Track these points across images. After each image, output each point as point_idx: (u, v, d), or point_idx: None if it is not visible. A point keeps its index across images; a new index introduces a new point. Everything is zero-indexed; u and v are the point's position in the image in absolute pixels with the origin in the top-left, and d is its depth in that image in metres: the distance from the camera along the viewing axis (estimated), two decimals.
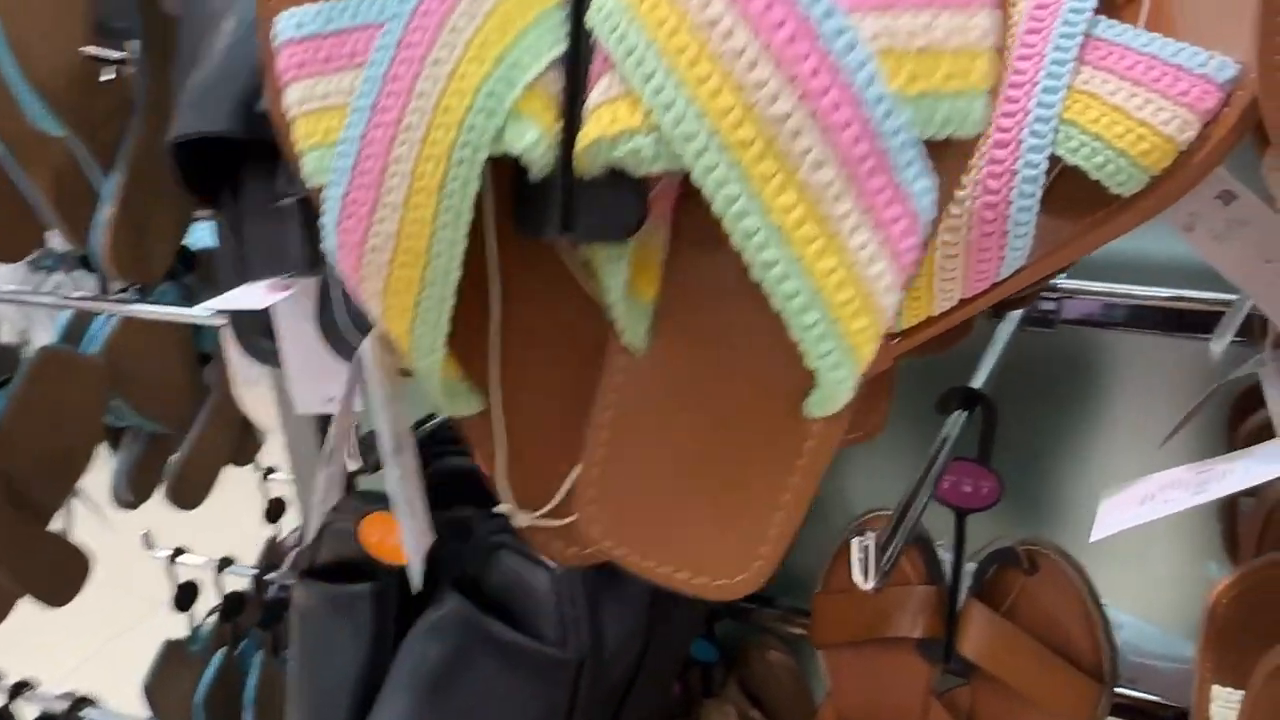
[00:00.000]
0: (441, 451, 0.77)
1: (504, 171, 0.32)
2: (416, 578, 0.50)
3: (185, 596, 1.19)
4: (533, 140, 0.30)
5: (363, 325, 0.54)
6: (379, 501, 0.68)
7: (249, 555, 1.26)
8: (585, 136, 0.29)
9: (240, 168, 0.58)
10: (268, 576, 1.17)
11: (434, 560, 0.67)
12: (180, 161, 0.56)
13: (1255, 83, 0.35)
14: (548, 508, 0.40)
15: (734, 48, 0.26)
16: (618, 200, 0.31)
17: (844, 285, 0.29)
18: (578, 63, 0.30)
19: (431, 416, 0.69)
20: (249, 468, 1.29)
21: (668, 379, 0.35)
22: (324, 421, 0.94)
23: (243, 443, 1.22)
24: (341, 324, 0.49)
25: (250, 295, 0.54)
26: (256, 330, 0.59)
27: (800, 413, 0.34)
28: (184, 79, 0.56)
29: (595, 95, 0.29)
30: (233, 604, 1.19)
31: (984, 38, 0.28)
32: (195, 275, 1.06)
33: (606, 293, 0.35)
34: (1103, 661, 0.66)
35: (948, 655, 0.69)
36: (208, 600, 1.20)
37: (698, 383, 0.35)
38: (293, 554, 1.25)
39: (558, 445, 0.39)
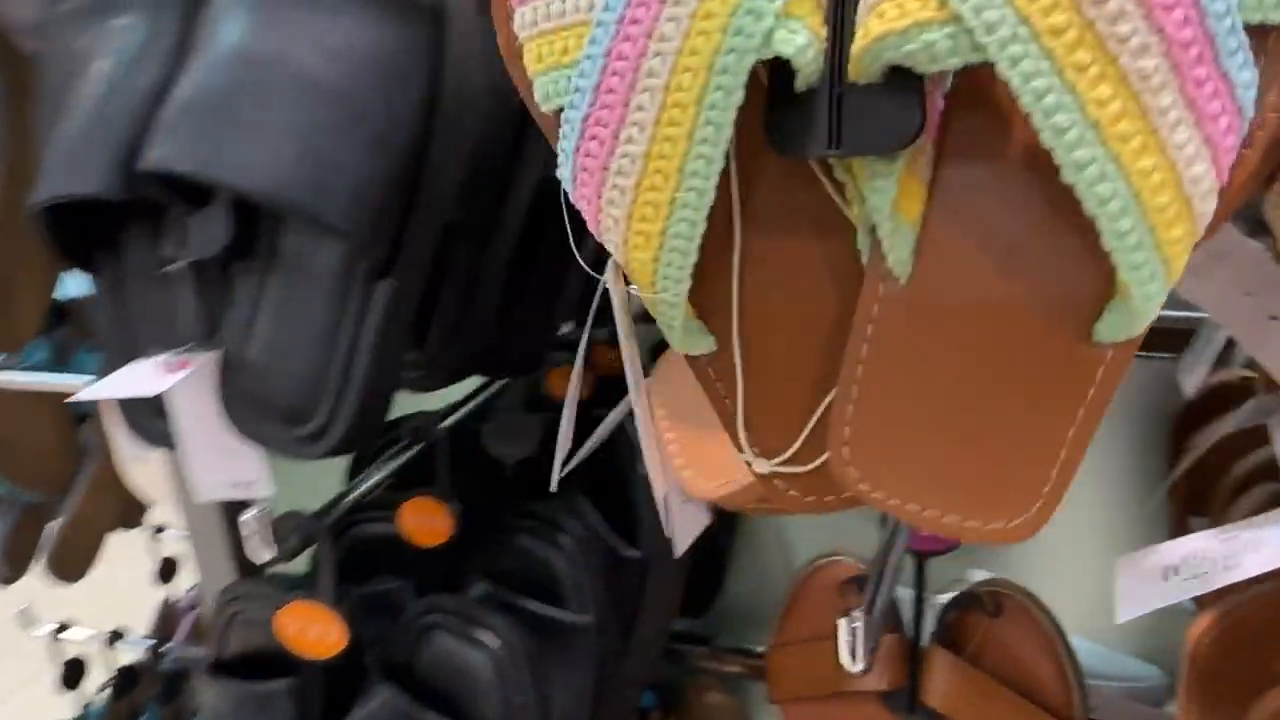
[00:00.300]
0: (356, 519, 0.71)
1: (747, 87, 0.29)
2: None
3: (73, 674, 1.09)
4: (804, 44, 0.28)
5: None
6: (294, 589, 0.62)
7: (141, 619, 1.16)
8: (868, 33, 0.27)
9: (119, 227, 0.51)
10: (163, 648, 1.08)
11: (359, 644, 0.61)
12: (48, 221, 0.49)
13: (1275, 121, 0.32)
14: (789, 452, 0.36)
15: None
16: (896, 106, 0.28)
17: (1163, 188, 0.26)
18: None
19: (347, 494, 0.62)
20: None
21: (935, 305, 0.32)
22: None
23: (129, 505, 1.13)
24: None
25: (141, 377, 0.47)
26: (147, 411, 0.52)
27: (1091, 337, 0.31)
28: (49, 127, 0.49)
29: None
30: (126, 679, 1.09)
31: None
32: (67, 328, 0.96)
33: (873, 212, 0.31)
34: (1073, 702, 0.64)
35: (912, 705, 0.66)
36: (98, 674, 1.10)
37: (969, 309, 0.32)
38: (189, 618, 1.16)
39: (798, 386, 0.35)
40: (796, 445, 0.36)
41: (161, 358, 0.49)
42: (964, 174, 0.32)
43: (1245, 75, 0.26)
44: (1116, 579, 0.38)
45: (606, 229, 0.33)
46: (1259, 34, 0.27)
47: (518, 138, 0.51)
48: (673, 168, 0.30)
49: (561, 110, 0.32)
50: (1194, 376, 0.53)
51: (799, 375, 0.36)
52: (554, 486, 0.47)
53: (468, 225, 0.51)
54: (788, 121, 0.30)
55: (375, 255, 0.45)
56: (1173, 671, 0.95)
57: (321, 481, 0.68)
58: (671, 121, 0.29)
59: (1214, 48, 0.26)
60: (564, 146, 0.32)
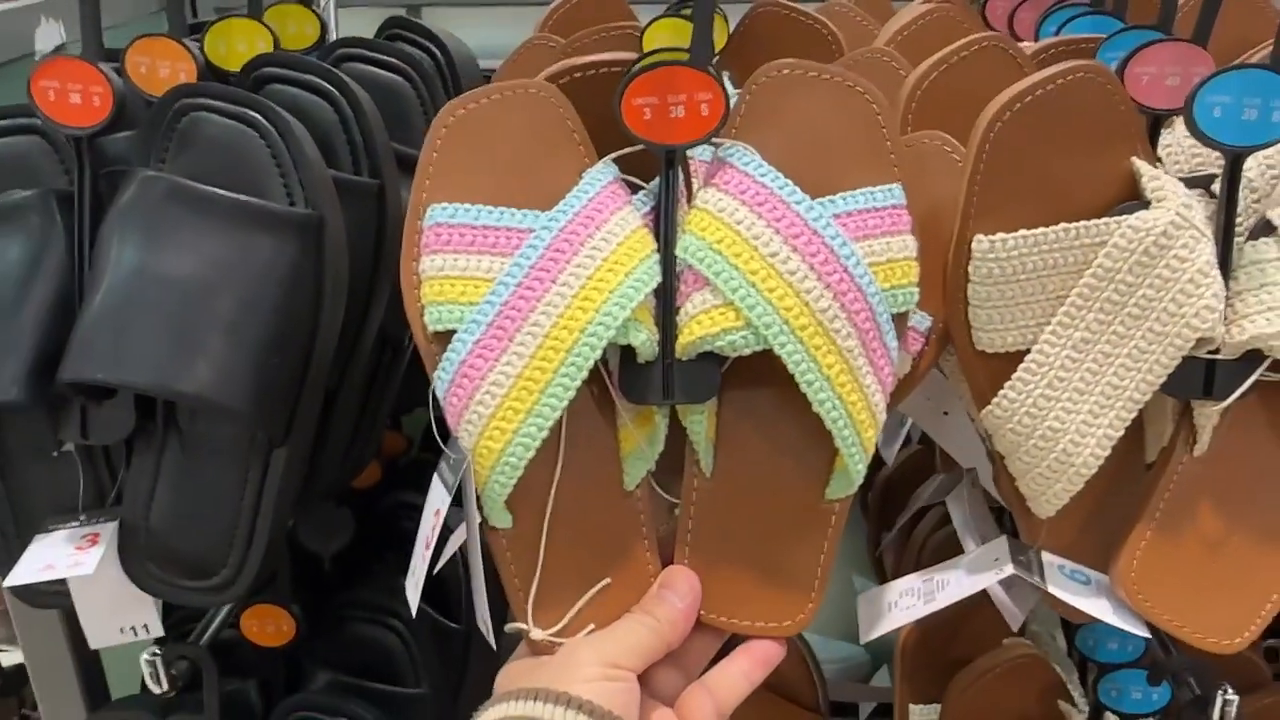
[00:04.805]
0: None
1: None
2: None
3: None
4: (645, 339, 0.44)
5: None
6: (165, 712, 0.67)
7: None
8: (692, 333, 0.44)
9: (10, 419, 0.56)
10: None
11: None
12: None
13: (941, 327, 0.51)
14: (561, 624, 0.48)
15: (790, 269, 0.43)
16: (705, 372, 0.46)
17: (863, 410, 0.45)
18: (671, 288, 0.44)
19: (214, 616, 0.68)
20: None
21: (730, 490, 0.49)
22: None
23: None
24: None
25: (58, 557, 0.52)
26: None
27: (824, 498, 0.49)
28: None
29: (691, 307, 0.44)
30: None
31: (912, 251, 0.46)
32: None
33: (693, 435, 0.48)
34: (818, 695, 0.81)
35: None
36: None
37: (752, 489, 0.49)
38: None
39: (575, 572, 0.48)
40: (566, 620, 0.48)
41: (63, 532, 0.54)
42: (737, 409, 0.48)
43: (893, 343, 0.46)
44: (859, 610, 0.55)
45: (469, 422, 0.44)
46: (898, 319, 0.47)
47: (365, 308, 0.60)
48: (537, 388, 0.43)
49: (440, 331, 0.44)
50: (891, 450, 0.72)
51: (577, 564, 0.48)
52: (414, 612, 0.53)
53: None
54: (635, 380, 0.46)
55: (274, 430, 0.53)
56: (875, 653, 1.18)
57: None
58: (544, 356, 0.43)
59: (879, 330, 0.45)
60: (450, 357, 0.44)
